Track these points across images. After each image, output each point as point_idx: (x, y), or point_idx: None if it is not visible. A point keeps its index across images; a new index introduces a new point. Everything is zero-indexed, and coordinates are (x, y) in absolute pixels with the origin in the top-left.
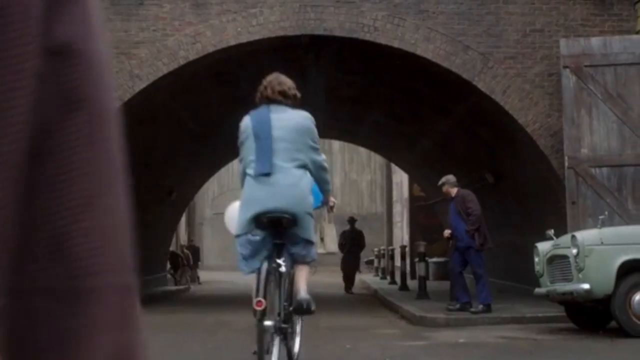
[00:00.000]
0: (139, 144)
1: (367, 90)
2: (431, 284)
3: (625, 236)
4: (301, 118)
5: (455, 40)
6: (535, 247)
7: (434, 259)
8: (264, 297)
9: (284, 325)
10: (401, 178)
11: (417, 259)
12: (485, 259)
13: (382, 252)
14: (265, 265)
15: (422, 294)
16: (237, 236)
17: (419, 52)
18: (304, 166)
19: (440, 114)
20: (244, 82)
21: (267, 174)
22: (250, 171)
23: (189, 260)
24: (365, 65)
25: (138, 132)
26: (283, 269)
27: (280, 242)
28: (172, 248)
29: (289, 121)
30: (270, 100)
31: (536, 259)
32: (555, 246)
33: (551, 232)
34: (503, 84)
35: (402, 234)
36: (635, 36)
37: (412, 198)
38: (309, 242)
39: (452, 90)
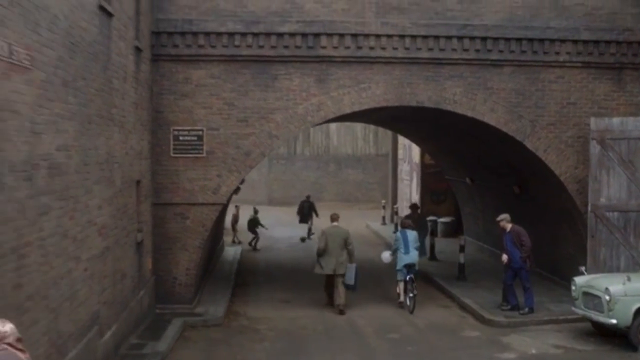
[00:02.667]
0: None
1: (420, 116)
2: (440, 242)
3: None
4: (415, 234)
5: (512, 110)
6: (573, 280)
7: (442, 219)
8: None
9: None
10: (410, 141)
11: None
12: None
13: (395, 210)
14: (407, 279)
15: (462, 276)
16: (398, 270)
17: (486, 119)
18: (416, 248)
19: (486, 149)
20: None
21: (408, 252)
22: (401, 250)
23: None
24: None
25: None
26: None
27: (409, 272)
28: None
29: (412, 235)
30: (405, 228)
31: (573, 288)
32: (589, 287)
33: (583, 268)
34: (545, 144)
35: (409, 192)
36: None
37: (424, 165)
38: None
39: (505, 140)
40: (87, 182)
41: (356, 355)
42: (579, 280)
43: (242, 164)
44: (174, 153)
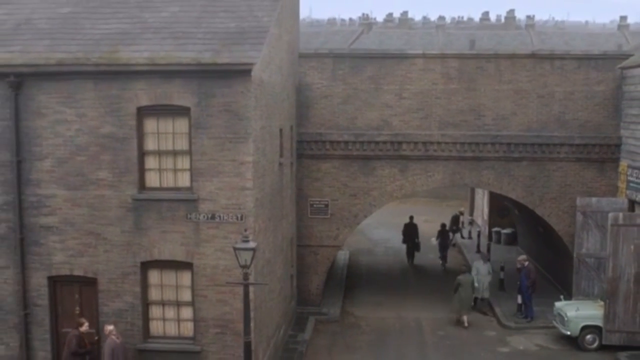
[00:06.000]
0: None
1: None
2: (502, 249)
3: (585, 315)
4: (448, 234)
5: (527, 189)
6: (554, 304)
7: (505, 230)
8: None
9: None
10: None
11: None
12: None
13: (470, 220)
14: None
15: (502, 287)
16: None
17: (509, 195)
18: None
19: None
20: None
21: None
22: (439, 240)
23: None
24: None
25: None
26: None
27: (443, 250)
28: None
29: (446, 234)
30: (443, 230)
31: (554, 309)
32: (561, 310)
33: (562, 297)
34: (549, 211)
35: (482, 205)
36: (612, 198)
37: None
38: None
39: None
40: (276, 260)
41: (414, 345)
42: (557, 304)
43: (352, 222)
44: (310, 215)
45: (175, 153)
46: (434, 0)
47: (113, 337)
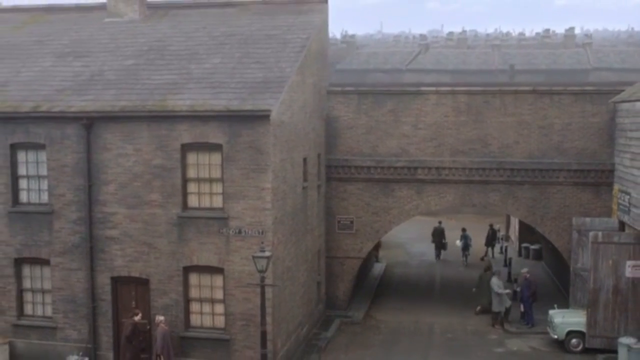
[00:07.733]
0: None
1: None
2: (528, 263)
3: (570, 322)
4: (470, 236)
5: (529, 210)
6: (548, 312)
7: (533, 246)
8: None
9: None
10: None
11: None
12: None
13: (502, 236)
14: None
15: (515, 297)
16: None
17: (513, 214)
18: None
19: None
20: None
21: (465, 242)
22: (462, 242)
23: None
24: None
25: None
26: None
27: (466, 250)
28: None
29: (469, 238)
30: (465, 234)
31: (548, 316)
32: (552, 317)
33: (555, 305)
34: (549, 229)
35: (515, 223)
36: (605, 218)
37: None
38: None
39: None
40: (298, 268)
41: (422, 345)
42: (550, 312)
43: (374, 236)
44: (338, 230)
45: (210, 180)
46: (511, 13)
47: (163, 325)
